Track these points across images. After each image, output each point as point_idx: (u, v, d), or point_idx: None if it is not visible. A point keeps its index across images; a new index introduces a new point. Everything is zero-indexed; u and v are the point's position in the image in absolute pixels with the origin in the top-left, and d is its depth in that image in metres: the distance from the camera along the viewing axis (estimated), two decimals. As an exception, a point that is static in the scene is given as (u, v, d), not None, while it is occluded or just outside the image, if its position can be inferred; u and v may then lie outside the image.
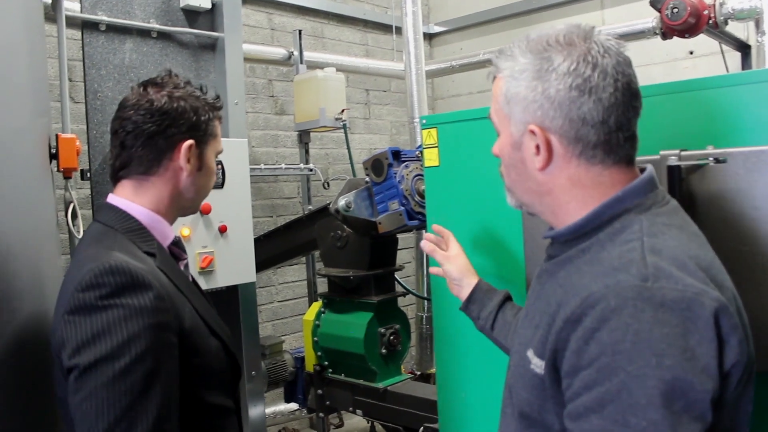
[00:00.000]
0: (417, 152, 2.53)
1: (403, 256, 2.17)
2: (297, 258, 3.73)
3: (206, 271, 2.50)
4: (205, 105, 1.46)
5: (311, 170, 3.92)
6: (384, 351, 2.66)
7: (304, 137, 4.03)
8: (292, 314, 4.65)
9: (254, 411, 2.83)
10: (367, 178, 2.52)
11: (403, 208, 2.40)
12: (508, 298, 1.59)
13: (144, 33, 2.60)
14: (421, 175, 2.45)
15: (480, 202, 1.83)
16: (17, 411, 1.46)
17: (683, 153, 1.39)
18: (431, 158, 1.94)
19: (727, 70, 3.83)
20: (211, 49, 2.77)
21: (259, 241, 2.99)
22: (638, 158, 1.43)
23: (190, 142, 1.41)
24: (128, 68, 2.54)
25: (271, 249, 3.26)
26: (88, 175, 2.41)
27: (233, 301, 2.74)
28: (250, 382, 2.78)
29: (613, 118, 1.02)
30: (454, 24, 5.60)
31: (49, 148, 1.88)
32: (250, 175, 2.70)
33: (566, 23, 1.08)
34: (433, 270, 1.75)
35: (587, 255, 1.03)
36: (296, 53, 4.12)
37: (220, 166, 1.68)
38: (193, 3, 2.66)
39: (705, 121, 1.42)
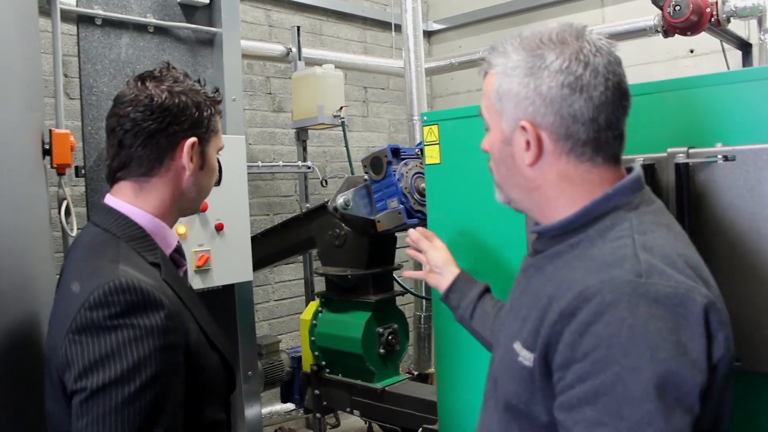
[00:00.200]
0: (416, 150, 2.51)
1: (401, 255, 2.14)
2: (294, 257, 3.70)
3: (202, 269, 2.47)
4: (206, 100, 1.39)
5: (309, 168, 3.89)
6: (382, 351, 2.64)
7: (301, 135, 4.00)
8: (288, 313, 4.62)
9: (250, 411, 2.81)
10: (366, 176, 2.49)
11: (402, 206, 2.37)
12: (487, 290, 1.62)
13: (140, 27, 2.57)
14: (421, 173, 2.43)
15: (482, 200, 1.80)
16: (8, 413, 1.42)
17: (691, 150, 1.36)
18: (432, 155, 1.91)
19: (729, 69, 3.80)
20: (208, 44, 2.74)
21: (255, 240, 2.96)
22: (645, 155, 1.43)
23: (192, 139, 1.34)
24: (124, 63, 2.51)
25: (268, 247, 3.23)
26: (83, 171, 2.38)
27: (229, 300, 2.71)
28: (246, 382, 2.75)
29: (603, 117, 1.04)
30: (453, 21, 5.57)
31: (43, 143, 1.84)
32: (248, 173, 2.67)
33: (559, 22, 1.10)
34: (410, 252, 1.78)
35: (576, 250, 1.05)
36: (294, 50, 4.08)
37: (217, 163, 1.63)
38: (191, -3, 2.63)
39: (713, 119, 1.39)
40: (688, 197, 1.36)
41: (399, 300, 2.82)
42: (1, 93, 1.53)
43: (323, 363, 2.80)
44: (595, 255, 1.00)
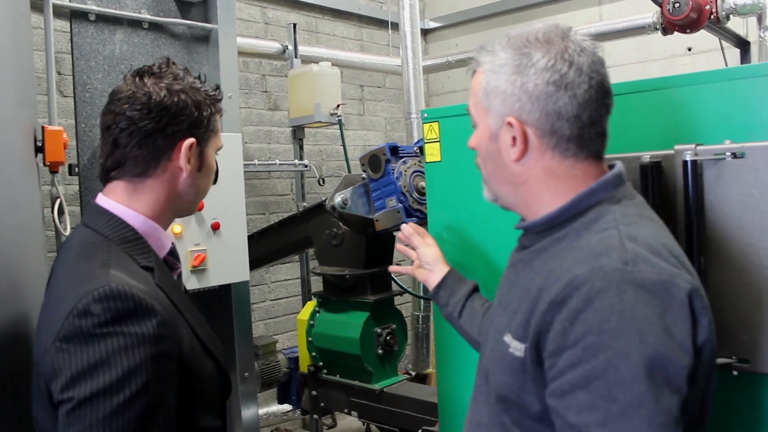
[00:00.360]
0: (415, 148, 2.48)
1: (399, 254, 2.11)
2: (291, 256, 3.67)
3: (198, 269, 2.43)
4: (206, 98, 1.33)
5: (306, 166, 3.86)
6: (380, 351, 2.62)
7: (298, 133, 3.97)
8: (284, 313, 4.60)
9: (247, 413, 2.78)
10: (364, 175, 2.46)
11: (401, 205, 2.34)
12: (476, 289, 1.63)
13: (135, 23, 2.53)
14: (419, 172, 2.40)
15: (484, 199, 1.77)
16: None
17: (699, 148, 1.34)
18: (433, 153, 1.88)
19: (727, 67, 3.79)
20: (204, 40, 2.71)
21: (252, 239, 2.93)
22: (652, 153, 1.40)
23: (191, 140, 1.28)
24: (118, 60, 2.47)
25: (265, 247, 3.20)
26: (77, 170, 2.34)
27: (226, 301, 2.68)
28: (243, 383, 2.72)
29: (586, 114, 1.08)
30: (450, 20, 5.55)
31: (35, 141, 1.80)
32: (244, 172, 2.64)
33: (546, 23, 1.13)
34: (399, 247, 1.80)
35: (563, 243, 1.08)
36: (291, 47, 4.05)
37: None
38: (186, -7, 2.60)
39: (722, 115, 1.36)
40: (696, 195, 1.33)
41: (396, 300, 2.79)
42: (-8, 88, 1.49)
43: (321, 364, 2.77)
44: (582, 246, 1.03)
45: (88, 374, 1.06)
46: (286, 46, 4.07)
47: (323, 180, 4.00)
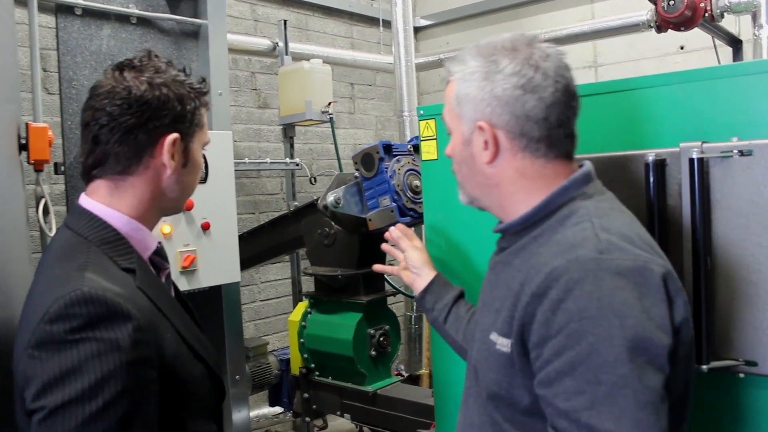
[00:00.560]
0: (409, 146, 2.45)
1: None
2: (282, 256, 3.62)
3: (188, 270, 2.39)
4: (190, 92, 1.28)
5: (298, 165, 3.81)
6: (373, 353, 2.60)
7: (288, 131, 3.92)
8: (275, 314, 4.54)
9: (238, 416, 2.74)
10: (357, 174, 2.42)
11: (394, 204, 2.30)
12: (462, 295, 1.65)
13: (123, 18, 2.47)
14: (413, 170, 2.36)
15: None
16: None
17: (705, 145, 1.31)
18: (429, 151, 1.84)
19: (720, 65, 3.78)
20: (193, 36, 2.66)
21: (242, 239, 2.89)
22: (656, 150, 1.37)
23: (174, 136, 1.23)
24: (106, 55, 2.41)
25: (255, 247, 3.17)
26: (62, 168, 2.27)
27: (216, 302, 2.64)
28: (234, 386, 2.69)
29: (554, 116, 1.13)
30: (440, 18, 5.50)
31: (19, 138, 1.75)
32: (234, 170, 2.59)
33: (512, 33, 1.19)
34: (385, 247, 1.82)
35: (540, 240, 1.13)
36: (281, 44, 4.00)
37: (203, 160, 1.52)
38: (175, -12, 2.54)
39: (728, 112, 1.33)
40: (702, 193, 1.30)
41: (388, 300, 2.76)
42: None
43: (312, 365, 2.74)
44: (558, 239, 1.08)
45: (59, 382, 1.02)
46: (277, 43, 4.02)
47: (315, 179, 3.95)
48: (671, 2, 3.10)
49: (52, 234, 1.99)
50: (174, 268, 2.27)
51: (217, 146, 2.42)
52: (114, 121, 1.19)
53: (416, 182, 2.34)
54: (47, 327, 1.04)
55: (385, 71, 5.02)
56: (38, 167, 1.90)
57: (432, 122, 1.83)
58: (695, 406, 1.35)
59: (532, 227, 1.15)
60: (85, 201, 1.25)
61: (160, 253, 1.33)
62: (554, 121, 1.13)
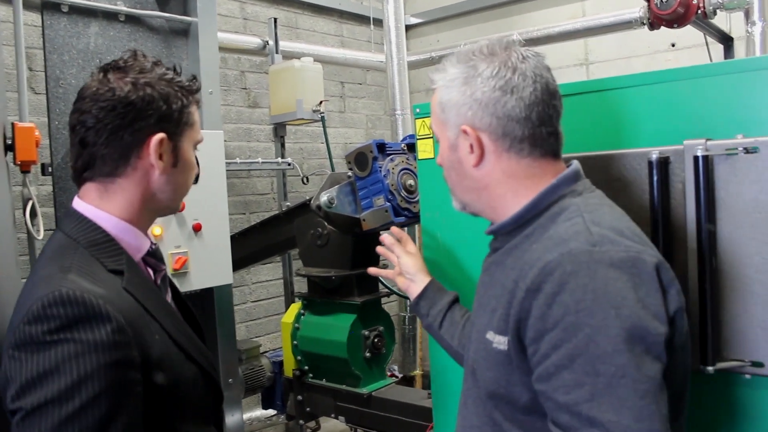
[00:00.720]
0: (402, 145, 2.41)
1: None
2: (274, 257, 3.58)
3: (179, 272, 2.35)
4: (177, 90, 1.27)
5: (289, 165, 3.76)
6: (368, 354, 2.57)
7: (279, 130, 3.88)
8: (266, 315, 4.51)
9: (231, 419, 2.71)
10: (350, 173, 2.38)
11: (389, 204, 2.27)
12: (457, 300, 1.65)
13: (110, 16, 2.42)
14: (408, 169, 2.33)
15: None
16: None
17: (710, 143, 1.28)
18: (425, 150, 1.81)
19: (711, 62, 3.77)
20: (183, 34, 2.61)
21: (233, 240, 2.85)
22: (662, 148, 1.35)
23: (160, 136, 1.23)
24: (93, 54, 2.36)
25: (247, 248, 3.13)
26: (50, 170, 2.22)
27: (208, 305, 2.60)
28: (227, 389, 2.64)
29: (535, 114, 1.14)
30: (431, 16, 5.47)
31: (4, 138, 1.70)
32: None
33: (490, 38, 1.22)
34: (380, 250, 1.80)
35: (532, 237, 1.14)
36: (272, 42, 3.96)
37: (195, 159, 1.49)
38: (164, -15, 2.50)
39: (733, 109, 1.31)
40: (706, 191, 1.28)
41: (381, 300, 2.72)
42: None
43: (306, 368, 2.72)
44: (551, 235, 1.09)
45: (37, 383, 1.03)
46: (267, 42, 3.98)
47: (307, 179, 3.91)
48: (664, -1, 3.10)
49: (39, 237, 1.95)
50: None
51: (208, 146, 2.36)
52: (99, 123, 1.20)
53: (410, 181, 2.31)
54: (26, 328, 1.06)
55: (376, 69, 4.99)
56: (25, 168, 1.87)
57: (428, 120, 1.80)
58: (701, 408, 1.33)
59: (524, 226, 1.17)
60: (77, 203, 1.25)
61: (154, 255, 1.33)
62: (536, 119, 1.14)
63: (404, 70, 3.47)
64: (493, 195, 1.20)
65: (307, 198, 2.58)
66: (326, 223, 2.56)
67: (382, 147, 2.34)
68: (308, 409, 2.73)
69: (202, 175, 1.41)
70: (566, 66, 4.61)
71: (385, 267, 2.72)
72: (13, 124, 1.78)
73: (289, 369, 2.76)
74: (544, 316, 1.01)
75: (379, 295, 2.67)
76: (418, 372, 3.99)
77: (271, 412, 3.51)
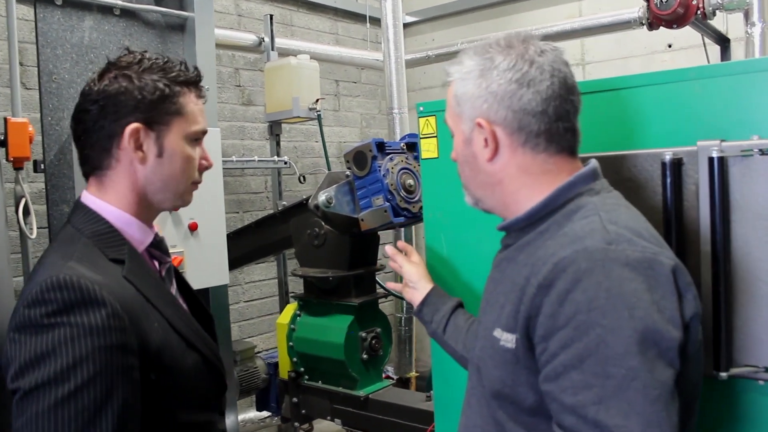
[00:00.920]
0: (402, 144, 2.38)
1: (385, 255, 2.01)
2: (269, 257, 3.54)
3: (175, 272, 2.30)
4: (159, 79, 1.24)
5: (285, 163, 3.72)
6: (365, 356, 2.54)
7: (275, 128, 3.83)
8: (259, 315, 4.46)
9: (225, 421, 2.65)
10: (348, 172, 2.35)
11: (387, 203, 2.23)
12: (460, 305, 1.64)
13: (105, 10, 2.38)
14: (407, 169, 2.30)
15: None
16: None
17: (724, 144, 1.26)
18: (429, 149, 1.78)
19: (709, 63, 3.76)
20: (179, 29, 2.57)
21: (228, 239, 2.80)
22: (675, 149, 1.32)
23: (135, 125, 1.22)
24: (87, 48, 2.32)
25: (242, 247, 3.10)
26: (42, 166, 2.17)
27: (203, 305, 2.55)
28: (221, 391, 2.59)
29: (551, 108, 1.11)
30: (426, 14, 5.44)
31: (-3, 134, 1.66)
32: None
33: (508, 31, 1.20)
34: (393, 265, 1.79)
35: (546, 234, 1.11)
36: (267, 39, 3.91)
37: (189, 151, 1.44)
38: (160, -21, 2.46)
39: (746, 109, 1.28)
40: (721, 193, 1.25)
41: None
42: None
43: (302, 369, 2.69)
44: (566, 232, 1.06)
45: (34, 364, 1.07)
46: (263, 38, 3.93)
47: (303, 177, 3.87)
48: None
49: (33, 236, 1.90)
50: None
51: (205, 143, 2.33)
52: (82, 117, 1.24)
53: (410, 181, 2.28)
54: (26, 311, 1.09)
55: (371, 68, 4.95)
56: (18, 165, 1.82)
57: (432, 119, 1.77)
58: (713, 414, 1.31)
59: (538, 223, 1.14)
60: (84, 196, 1.28)
61: (159, 247, 1.34)
62: (552, 114, 1.12)
63: (402, 69, 3.43)
64: (506, 191, 1.18)
65: (304, 197, 2.54)
66: (324, 223, 2.53)
67: (381, 146, 2.31)
68: (304, 411, 2.70)
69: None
70: (563, 66, 4.59)
71: (383, 266, 2.71)
72: (5, 119, 1.74)
73: (284, 370, 2.73)
74: (555, 313, 0.98)
75: (377, 296, 2.64)
76: (413, 374, 3.96)
77: (264, 413, 3.47)
